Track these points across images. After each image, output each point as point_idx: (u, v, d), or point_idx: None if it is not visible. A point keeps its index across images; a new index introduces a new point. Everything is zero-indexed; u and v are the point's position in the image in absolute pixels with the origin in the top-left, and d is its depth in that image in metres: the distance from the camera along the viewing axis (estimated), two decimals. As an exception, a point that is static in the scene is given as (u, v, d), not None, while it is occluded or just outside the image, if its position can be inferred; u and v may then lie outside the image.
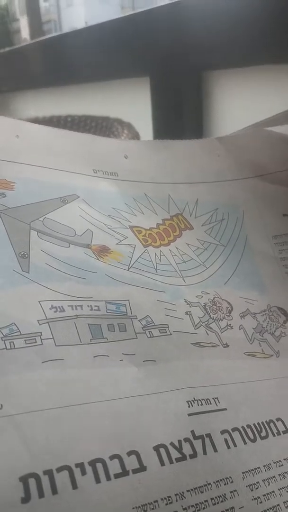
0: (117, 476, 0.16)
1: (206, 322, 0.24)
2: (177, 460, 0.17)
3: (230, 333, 0.24)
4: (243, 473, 0.19)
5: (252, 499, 0.18)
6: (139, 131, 0.47)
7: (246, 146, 0.31)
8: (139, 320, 0.21)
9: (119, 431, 0.17)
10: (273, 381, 0.23)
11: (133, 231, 0.25)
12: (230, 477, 0.18)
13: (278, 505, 0.18)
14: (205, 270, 0.26)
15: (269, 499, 0.18)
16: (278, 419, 0.21)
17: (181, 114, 0.49)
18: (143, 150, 0.30)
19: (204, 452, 0.18)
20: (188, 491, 0.17)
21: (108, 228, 0.24)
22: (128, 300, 0.22)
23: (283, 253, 0.29)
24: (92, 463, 0.16)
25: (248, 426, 0.20)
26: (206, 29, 0.45)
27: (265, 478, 0.19)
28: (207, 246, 0.28)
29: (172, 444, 0.18)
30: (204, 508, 0.17)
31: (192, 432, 0.19)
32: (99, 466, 0.16)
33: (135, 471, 0.16)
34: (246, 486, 0.18)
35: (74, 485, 0.15)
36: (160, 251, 0.26)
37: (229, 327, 0.24)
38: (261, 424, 0.21)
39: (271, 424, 0.21)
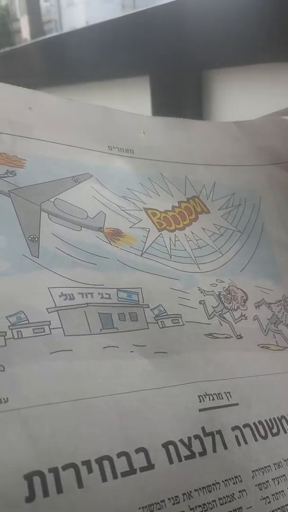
0: (124, 474, 0.15)
1: (220, 312, 0.23)
2: (186, 458, 0.17)
3: (244, 323, 0.23)
4: (253, 471, 0.18)
5: (261, 499, 0.18)
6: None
7: (264, 133, 0.30)
8: (151, 309, 0.21)
9: (128, 427, 0.17)
10: (286, 375, 0.22)
11: (147, 214, 0.24)
12: (239, 475, 0.18)
13: (286, 505, 0.18)
14: (220, 257, 0.25)
15: (277, 498, 0.18)
16: None
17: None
18: (162, 127, 0.28)
19: (214, 450, 0.18)
20: (196, 490, 0.16)
21: (121, 210, 0.23)
22: (141, 288, 0.21)
23: None
24: (99, 461, 0.15)
25: (260, 422, 0.20)
26: (207, 28, 0.44)
27: (275, 477, 0.18)
28: (223, 232, 0.27)
29: (181, 441, 0.17)
30: (211, 508, 0.16)
31: (203, 428, 0.18)
32: (106, 464, 0.15)
33: (142, 469, 0.16)
34: (255, 485, 0.18)
35: (80, 484, 0.15)
36: (175, 235, 0.24)
37: (243, 318, 0.23)
38: (273, 420, 0.20)
39: (283, 420, 0.20)
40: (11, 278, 0.18)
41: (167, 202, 0.26)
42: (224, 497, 0.17)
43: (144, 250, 0.22)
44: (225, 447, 0.18)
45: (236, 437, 0.19)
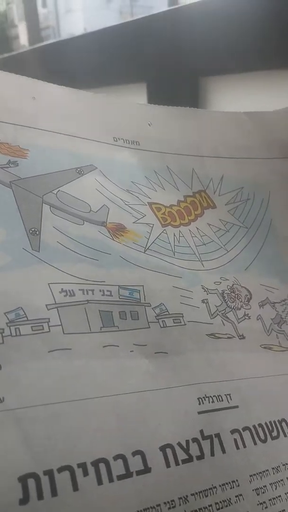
0: (120, 477, 0.15)
1: (223, 311, 0.22)
2: (184, 461, 0.17)
3: (247, 323, 0.23)
4: (250, 476, 0.18)
5: (258, 504, 0.17)
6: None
7: (276, 125, 0.29)
8: (152, 308, 0.20)
9: (125, 429, 0.16)
10: None
11: (151, 208, 0.24)
12: (237, 480, 0.17)
13: (283, 510, 0.18)
14: (225, 254, 0.25)
15: (274, 504, 0.18)
16: None
17: None
18: (169, 117, 0.27)
19: (212, 454, 0.17)
20: (192, 494, 0.16)
21: (125, 204, 0.23)
22: (143, 285, 0.20)
23: None
24: (95, 464, 0.15)
25: (260, 425, 0.19)
26: (203, 36, 0.44)
27: (272, 481, 0.18)
28: (230, 228, 0.26)
29: (179, 444, 0.17)
30: None
31: (201, 431, 0.18)
32: (102, 466, 0.15)
33: (139, 472, 0.16)
34: (253, 490, 0.18)
35: (75, 487, 0.14)
36: (180, 231, 0.24)
37: (247, 317, 0.23)
38: (273, 423, 0.20)
39: (283, 423, 0.20)
40: (11, 272, 0.18)
41: (173, 196, 0.25)
42: (220, 501, 0.17)
43: (147, 247, 0.22)
44: (224, 451, 0.18)
45: (235, 440, 0.18)
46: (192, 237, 0.24)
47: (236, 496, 0.17)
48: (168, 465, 0.16)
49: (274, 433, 0.20)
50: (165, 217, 0.24)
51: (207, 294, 0.22)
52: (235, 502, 0.17)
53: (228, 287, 0.23)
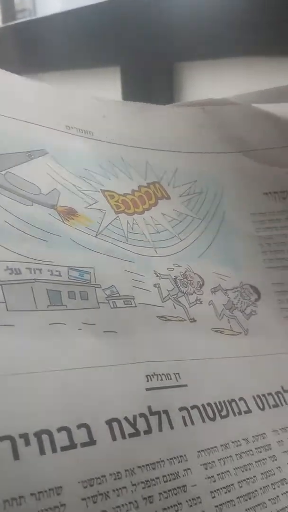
0: (64, 449, 0.15)
1: (175, 296, 0.23)
2: (130, 435, 0.17)
3: (199, 308, 0.23)
4: (198, 451, 0.18)
5: (206, 478, 0.17)
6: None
7: (231, 120, 0.30)
8: (103, 290, 0.20)
9: (70, 403, 0.16)
10: (238, 360, 0.22)
11: (105, 196, 0.24)
12: (185, 455, 0.18)
13: (232, 484, 0.18)
14: (179, 242, 0.25)
15: (223, 478, 0.18)
16: (240, 399, 0.21)
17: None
18: (124, 111, 0.28)
19: (160, 429, 0.17)
20: (139, 467, 0.16)
21: (77, 189, 0.23)
22: (93, 267, 0.21)
23: (260, 232, 0.28)
24: (38, 434, 0.15)
25: (209, 404, 0.19)
26: (180, 20, 0.44)
27: (221, 457, 0.18)
28: (183, 218, 0.27)
29: (126, 419, 0.17)
30: (154, 485, 0.16)
31: (149, 407, 0.18)
32: (45, 437, 0.15)
33: (84, 444, 0.16)
34: (201, 465, 0.18)
35: (16, 456, 0.14)
36: (133, 219, 0.24)
37: (198, 302, 0.23)
38: (222, 403, 0.20)
39: (233, 404, 0.20)
40: None
41: (127, 185, 0.25)
42: (168, 474, 0.17)
43: (99, 232, 0.22)
44: (172, 427, 0.18)
45: (183, 417, 0.18)
46: (146, 225, 0.25)
47: (184, 470, 0.17)
48: (114, 438, 0.16)
49: (224, 412, 0.20)
50: (118, 205, 0.24)
51: (160, 279, 0.23)
52: (183, 476, 0.17)
53: (181, 273, 0.24)
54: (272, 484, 0.19)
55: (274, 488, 0.19)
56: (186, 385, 0.19)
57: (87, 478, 0.15)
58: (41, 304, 0.18)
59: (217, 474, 0.18)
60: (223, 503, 0.17)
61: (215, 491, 0.17)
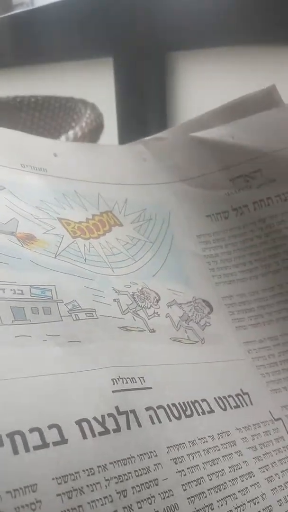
0: (36, 448, 0.16)
1: (134, 309, 0.24)
2: (100, 434, 0.17)
3: (157, 320, 0.24)
4: (167, 447, 0.19)
5: (176, 472, 0.18)
6: (102, 113, 0.44)
7: (170, 151, 0.33)
8: (65, 304, 0.21)
9: (39, 406, 0.17)
10: (197, 365, 0.24)
11: (61, 223, 0.26)
12: (155, 451, 0.18)
13: (202, 477, 0.19)
14: (134, 263, 0.27)
15: (193, 472, 0.19)
16: (203, 400, 0.22)
17: (145, 96, 0.47)
18: (73, 150, 0.30)
19: (128, 427, 0.18)
20: (111, 463, 0.17)
21: (35, 218, 0.24)
22: (54, 285, 0.22)
23: (206, 251, 0.31)
24: (10, 435, 0.15)
25: (173, 404, 0.20)
26: (171, 10, 0.44)
27: (189, 453, 0.19)
28: (136, 242, 0.28)
29: (95, 418, 0.18)
30: (127, 479, 0.17)
31: (116, 407, 0.19)
32: (17, 438, 0.15)
33: (56, 443, 0.16)
34: (170, 460, 0.18)
35: None
36: (90, 243, 0.26)
37: (156, 315, 0.25)
38: (186, 403, 0.21)
39: (196, 404, 0.21)
40: None
41: (81, 214, 0.27)
42: (139, 469, 0.17)
43: (58, 253, 0.24)
44: (139, 425, 0.19)
45: (150, 416, 0.19)
46: (102, 248, 0.26)
47: (154, 465, 0.18)
48: (84, 437, 0.17)
49: (188, 412, 0.21)
50: (74, 231, 0.26)
51: (118, 294, 0.24)
52: (154, 470, 0.18)
53: (138, 289, 0.25)
54: (240, 476, 0.20)
55: (242, 481, 0.20)
56: (150, 388, 0.20)
57: (61, 475, 0.15)
58: (6, 319, 0.19)
59: (187, 468, 0.19)
60: (195, 495, 0.18)
61: (186, 484, 0.18)
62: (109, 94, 0.52)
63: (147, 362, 0.22)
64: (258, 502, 0.19)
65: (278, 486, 0.21)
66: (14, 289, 0.20)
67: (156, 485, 0.17)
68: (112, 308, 0.23)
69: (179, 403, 0.21)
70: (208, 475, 0.19)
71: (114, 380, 0.19)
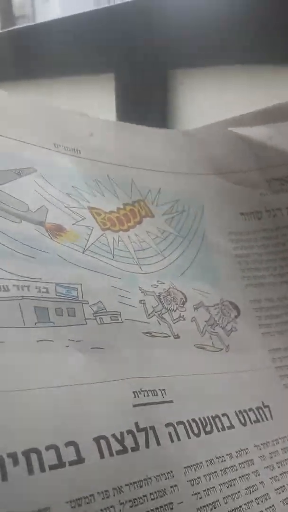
0: (52, 467, 0.15)
1: (159, 312, 0.23)
2: (118, 453, 0.17)
3: (182, 324, 0.23)
4: (185, 467, 0.18)
5: (192, 494, 0.18)
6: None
7: (209, 143, 0.31)
8: (90, 306, 0.20)
9: (58, 420, 0.16)
10: (220, 376, 0.23)
11: (91, 213, 0.24)
12: (171, 471, 0.18)
13: (217, 500, 0.18)
14: (162, 260, 0.26)
15: (209, 494, 0.18)
16: (223, 414, 0.21)
17: (146, 112, 0.48)
18: (110, 130, 0.28)
19: (147, 445, 0.18)
20: (126, 485, 0.16)
21: (65, 206, 0.23)
22: (81, 284, 0.21)
23: (237, 250, 0.29)
24: (26, 453, 0.15)
25: (193, 420, 0.20)
26: (174, 28, 0.44)
27: (206, 473, 0.19)
28: (166, 236, 0.27)
29: (114, 436, 0.17)
30: (142, 503, 0.16)
31: (136, 424, 0.18)
32: (33, 456, 0.15)
33: (72, 463, 0.16)
34: (187, 481, 0.18)
35: (4, 477, 0.14)
36: (119, 236, 0.25)
37: (182, 319, 0.24)
38: (206, 418, 0.20)
39: (217, 419, 0.21)
40: None
41: (112, 203, 0.26)
42: (155, 492, 0.17)
43: (86, 248, 0.22)
44: (158, 443, 0.18)
45: (169, 433, 0.19)
46: (131, 242, 0.25)
47: (171, 487, 0.17)
48: (102, 456, 0.16)
49: (208, 428, 0.20)
50: (104, 222, 0.24)
51: (144, 295, 0.23)
52: (170, 493, 0.17)
53: (165, 290, 0.24)
54: (256, 499, 0.19)
55: (258, 504, 0.19)
56: (171, 401, 0.20)
57: (75, 497, 0.15)
58: (29, 321, 0.18)
59: (203, 490, 0.18)
60: None
61: (201, 508, 0.18)
62: (110, 110, 0.51)
63: (169, 372, 0.21)
64: None
65: None
66: (39, 287, 0.19)
67: (171, 509, 0.17)
68: (138, 311, 0.22)
69: (199, 419, 0.20)
70: (223, 498, 0.18)
71: (136, 393, 0.19)
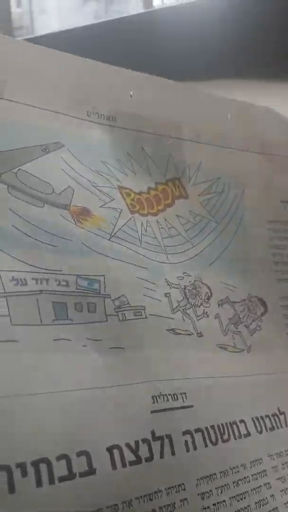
0: (61, 479, 0.14)
1: (184, 307, 0.22)
2: (131, 463, 0.16)
3: (206, 321, 0.22)
4: (197, 480, 0.17)
5: (202, 509, 0.17)
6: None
7: (258, 120, 0.28)
8: (112, 300, 0.19)
9: (71, 427, 0.15)
10: (241, 379, 0.22)
11: (121, 193, 0.22)
12: (183, 484, 0.17)
13: None
14: (191, 248, 0.24)
15: (218, 509, 0.18)
16: (241, 421, 0.20)
17: None
18: (152, 88, 0.25)
19: (161, 456, 0.17)
20: (136, 498, 0.16)
21: (92, 186, 0.21)
22: (104, 275, 0.19)
23: (274, 240, 0.27)
24: (35, 464, 0.14)
25: (212, 427, 0.19)
26: (179, 41, 0.44)
27: (219, 485, 0.18)
28: (199, 221, 0.25)
29: (128, 445, 0.16)
30: None
31: (152, 432, 0.17)
32: (43, 467, 0.14)
33: (82, 474, 0.15)
34: (198, 495, 0.17)
35: (12, 489, 0.13)
36: (147, 221, 0.23)
37: (205, 315, 0.22)
38: (224, 425, 0.19)
39: (234, 426, 0.20)
40: None
41: (144, 182, 0.24)
42: (164, 506, 0.16)
43: (113, 234, 0.21)
44: (173, 453, 0.17)
45: (186, 442, 0.18)
46: (159, 228, 0.23)
47: (180, 501, 0.17)
48: (114, 467, 0.16)
49: (225, 436, 0.19)
50: (134, 204, 0.23)
51: (170, 288, 0.22)
52: (179, 507, 0.17)
53: (190, 283, 0.23)
54: None
55: None
56: (192, 406, 0.19)
57: None
58: (46, 318, 0.17)
59: (213, 504, 0.17)
60: None
61: None
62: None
63: (191, 373, 0.20)
64: None
65: None
66: (59, 280, 0.18)
67: None
68: (162, 305, 0.21)
69: (217, 425, 0.19)
70: None
71: (155, 398, 0.18)
